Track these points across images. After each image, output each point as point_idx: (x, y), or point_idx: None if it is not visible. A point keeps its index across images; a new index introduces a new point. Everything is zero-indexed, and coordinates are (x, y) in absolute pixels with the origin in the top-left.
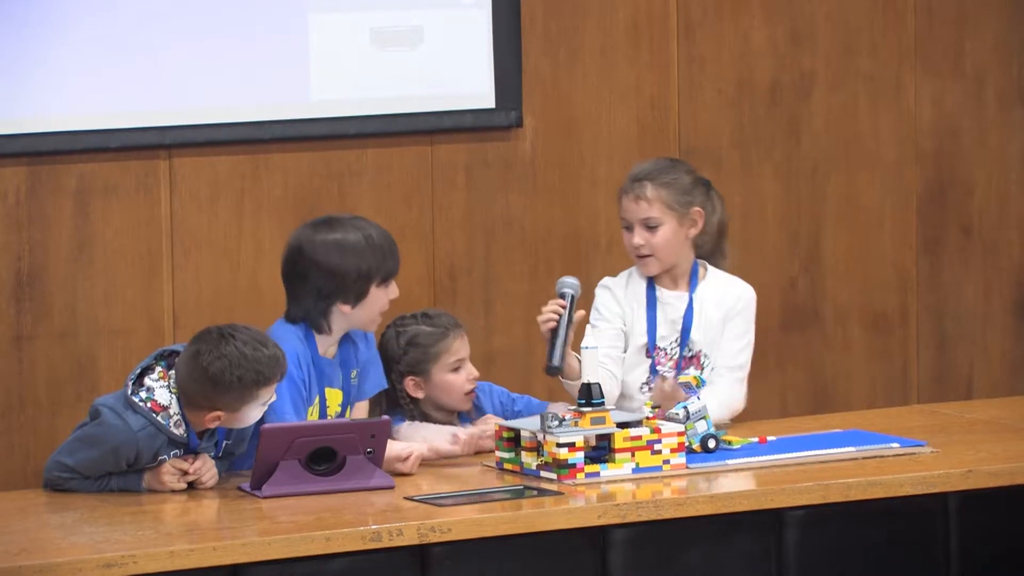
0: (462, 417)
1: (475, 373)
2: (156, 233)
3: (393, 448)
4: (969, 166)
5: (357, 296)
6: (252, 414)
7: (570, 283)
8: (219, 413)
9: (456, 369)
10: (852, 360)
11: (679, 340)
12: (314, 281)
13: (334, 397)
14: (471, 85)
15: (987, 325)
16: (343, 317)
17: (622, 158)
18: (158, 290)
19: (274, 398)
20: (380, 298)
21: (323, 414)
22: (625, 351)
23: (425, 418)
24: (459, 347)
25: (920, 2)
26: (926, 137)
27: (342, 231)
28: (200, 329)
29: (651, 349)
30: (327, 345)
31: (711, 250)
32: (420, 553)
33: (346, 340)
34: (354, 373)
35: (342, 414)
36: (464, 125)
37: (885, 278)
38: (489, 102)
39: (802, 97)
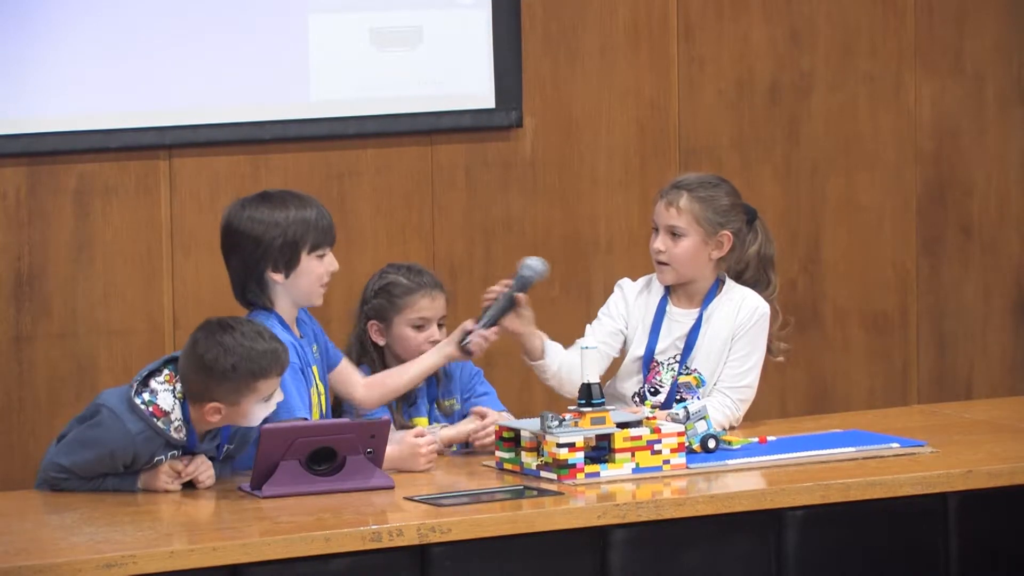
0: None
1: (435, 337)
2: (156, 233)
3: (410, 431)
4: (969, 166)
5: (287, 264)
6: (255, 412)
7: (529, 264)
8: (218, 405)
9: (419, 327)
10: (852, 360)
11: (679, 357)
12: (242, 252)
13: (315, 372)
14: (471, 85)
15: (987, 325)
16: (280, 289)
17: (622, 158)
18: (158, 290)
19: (281, 398)
20: (314, 268)
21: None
22: (622, 355)
23: (387, 367)
24: (425, 305)
25: (920, 2)
26: (926, 137)
27: (269, 203)
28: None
29: (647, 361)
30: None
31: (754, 278)
32: (420, 553)
33: (298, 319)
34: (315, 348)
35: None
36: (464, 125)
37: (885, 278)
38: (489, 102)
39: (802, 97)
